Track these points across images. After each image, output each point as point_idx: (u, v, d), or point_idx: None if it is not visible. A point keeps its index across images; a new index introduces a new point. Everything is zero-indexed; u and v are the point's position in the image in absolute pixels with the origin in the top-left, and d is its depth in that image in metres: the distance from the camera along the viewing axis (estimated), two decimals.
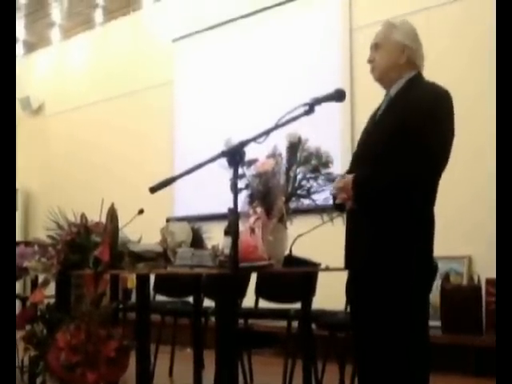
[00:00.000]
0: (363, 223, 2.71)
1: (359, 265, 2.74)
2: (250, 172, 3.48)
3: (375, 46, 2.84)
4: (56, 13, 8.80)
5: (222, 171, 2.73)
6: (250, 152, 2.52)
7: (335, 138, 6.08)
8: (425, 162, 2.61)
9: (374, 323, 2.69)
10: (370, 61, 2.85)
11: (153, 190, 2.40)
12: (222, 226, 3.38)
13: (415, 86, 2.76)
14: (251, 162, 3.45)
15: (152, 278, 4.81)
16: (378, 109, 2.87)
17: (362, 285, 2.74)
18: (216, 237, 3.65)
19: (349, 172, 2.86)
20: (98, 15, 8.76)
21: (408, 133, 2.60)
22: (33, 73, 9.98)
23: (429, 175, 2.65)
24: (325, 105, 2.67)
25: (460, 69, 5.65)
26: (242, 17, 7.38)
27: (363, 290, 2.73)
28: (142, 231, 3.93)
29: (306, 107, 2.59)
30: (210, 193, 6.73)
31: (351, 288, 2.84)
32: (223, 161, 2.38)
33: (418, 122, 2.61)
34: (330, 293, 4.24)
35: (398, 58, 2.78)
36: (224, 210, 2.95)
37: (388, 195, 2.63)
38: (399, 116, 2.68)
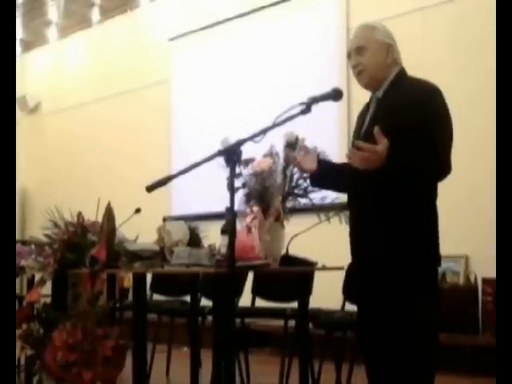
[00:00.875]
0: (368, 221, 2.69)
1: (368, 262, 2.72)
2: (246, 171, 3.48)
3: (359, 50, 2.76)
4: (53, 11, 8.78)
5: (219, 170, 2.73)
6: (247, 151, 2.52)
7: (332, 136, 6.08)
8: (430, 157, 2.58)
9: (382, 321, 2.68)
10: (355, 66, 2.79)
11: (149, 188, 2.40)
12: (218, 225, 3.38)
13: (401, 83, 2.73)
14: (248, 161, 3.46)
15: (149, 277, 4.80)
16: (366, 111, 2.83)
17: (370, 282, 2.71)
18: (213, 236, 3.65)
19: None
20: (95, 14, 8.75)
21: (406, 132, 2.57)
22: (29, 71, 9.97)
23: (434, 169, 2.63)
24: (322, 104, 2.67)
25: (457, 67, 5.65)
26: (239, 16, 7.37)
27: (372, 288, 2.71)
28: (139, 230, 3.93)
29: (303, 106, 2.59)
30: (207, 192, 6.74)
31: (358, 285, 2.81)
32: (220, 160, 2.38)
33: (417, 120, 2.57)
34: (327, 292, 4.25)
35: (385, 58, 2.74)
36: (221, 209, 2.95)
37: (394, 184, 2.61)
38: (393, 116, 2.64)
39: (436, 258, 2.67)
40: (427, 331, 2.64)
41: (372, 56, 2.73)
